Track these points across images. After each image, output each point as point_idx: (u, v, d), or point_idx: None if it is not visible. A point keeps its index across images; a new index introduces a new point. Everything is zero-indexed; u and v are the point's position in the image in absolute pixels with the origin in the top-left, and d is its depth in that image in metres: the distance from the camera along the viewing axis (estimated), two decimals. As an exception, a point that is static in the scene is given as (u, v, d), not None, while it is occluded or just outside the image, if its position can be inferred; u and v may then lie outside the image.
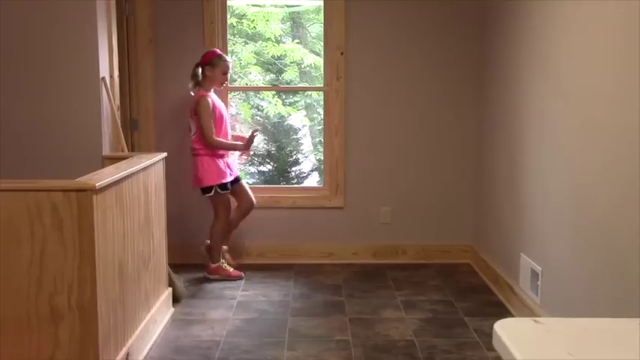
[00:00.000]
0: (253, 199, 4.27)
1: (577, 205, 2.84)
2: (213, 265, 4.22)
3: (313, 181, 6.22)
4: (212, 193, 4.08)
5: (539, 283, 3.27)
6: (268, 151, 6.21)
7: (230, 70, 4.15)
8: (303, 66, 5.83)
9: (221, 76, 4.05)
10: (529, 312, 3.34)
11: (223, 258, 4.28)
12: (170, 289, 3.65)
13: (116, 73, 3.56)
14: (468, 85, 4.51)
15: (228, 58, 4.19)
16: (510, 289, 3.69)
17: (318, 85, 5.19)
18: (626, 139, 2.39)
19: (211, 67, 4.03)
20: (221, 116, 4.08)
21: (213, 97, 4.07)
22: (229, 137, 4.17)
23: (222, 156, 4.12)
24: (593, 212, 2.67)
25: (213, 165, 4.07)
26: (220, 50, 4.31)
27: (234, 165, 4.27)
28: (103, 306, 2.50)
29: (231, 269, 4.25)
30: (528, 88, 3.48)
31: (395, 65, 4.49)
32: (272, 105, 6.05)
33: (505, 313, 3.63)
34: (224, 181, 4.09)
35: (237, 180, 4.25)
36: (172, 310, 3.66)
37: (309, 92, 6.08)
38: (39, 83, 3.31)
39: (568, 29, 2.96)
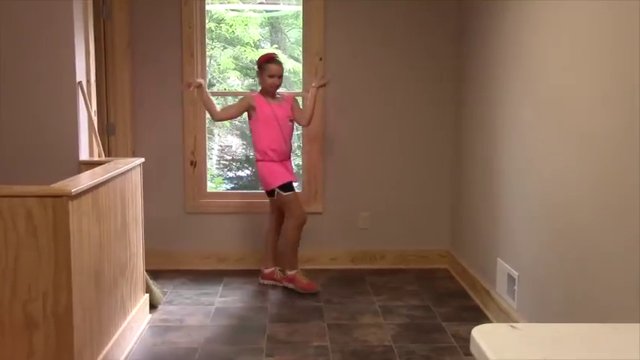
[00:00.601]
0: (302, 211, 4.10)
1: (552, 210, 2.88)
2: (291, 273, 4.12)
3: (292, 186, 6.20)
4: (275, 197, 4.06)
5: (515, 287, 3.30)
6: (246, 156, 6.19)
7: (277, 74, 4.03)
8: (281, 71, 5.83)
9: (268, 79, 4.00)
10: (506, 316, 3.37)
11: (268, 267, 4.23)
12: (147, 296, 3.62)
13: (93, 77, 3.52)
14: (446, 90, 4.54)
15: (279, 60, 4.12)
16: (487, 294, 3.72)
17: (297, 91, 5.19)
18: (601, 142, 2.43)
19: (261, 71, 4.05)
20: (265, 119, 4.02)
21: (263, 100, 4.04)
22: (281, 145, 4.06)
23: (275, 160, 4.06)
24: (569, 217, 2.71)
25: (268, 169, 4.06)
26: (199, 54, 4.30)
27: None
28: (78, 313, 2.47)
29: (305, 280, 4.09)
30: (504, 92, 3.52)
31: (373, 71, 4.52)
32: (250, 110, 6.04)
33: (482, 317, 3.66)
34: (284, 183, 4.03)
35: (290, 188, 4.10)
36: (150, 316, 3.62)
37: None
38: (14, 87, 3.26)
39: (542, 31, 3.01)
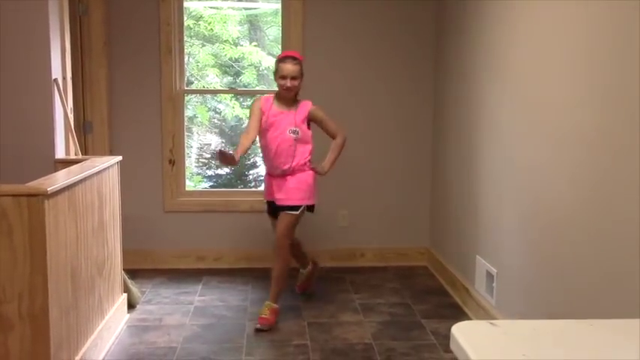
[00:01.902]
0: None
1: (530, 207, 2.90)
2: (268, 303, 3.60)
3: (271, 184, 6.18)
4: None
5: (494, 284, 3.32)
6: (225, 155, 6.16)
7: (289, 74, 3.53)
8: (260, 69, 5.81)
9: (279, 80, 3.55)
10: (484, 313, 3.40)
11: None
12: (125, 295, 3.58)
13: (69, 75, 3.48)
14: (425, 89, 4.56)
15: (294, 58, 3.60)
16: (466, 291, 3.75)
17: (275, 89, 5.17)
18: (579, 141, 2.45)
19: (275, 71, 3.63)
20: (265, 124, 3.57)
21: (270, 103, 3.61)
22: (269, 158, 3.62)
23: (268, 173, 3.70)
24: (547, 214, 2.73)
25: (264, 181, 3.82)
26: (177, 51, 4.25)
27: (282, 186, 3.63)
28: (55, 314, 2.43)
29: (265, 314, 3.52)
30: (483, 91, 3.54)
31: (351, 70, 4.52)
32: (229, 107, 6.01)
33: (461, 314, 3.68)
34: (266, 200, 3.77)
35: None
36: (128, 316, 3.59)
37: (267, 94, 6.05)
38: (-13, 84, 3.21)
39: (519, 31, 3.03)
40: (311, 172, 3.63)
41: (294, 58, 3.59)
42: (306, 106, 3.64)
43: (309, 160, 3.64)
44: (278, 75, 3.57)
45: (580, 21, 2.46)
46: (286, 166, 3.59)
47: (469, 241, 3.76)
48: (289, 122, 3.58)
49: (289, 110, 3.60)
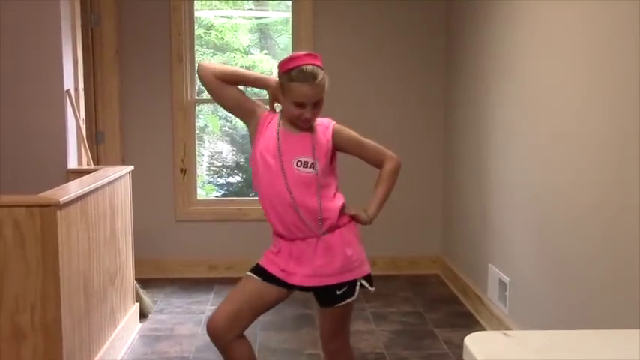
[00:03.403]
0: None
1: (543, 215, 2.88)
2: None
3: (282, 192, 6.18)
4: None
5: (507, 293, 3.30)
6: (237, 163, 6.17)
7: (308, 99, 2.24)
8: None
9: (292, 107, 2.27)
10: (497, 322, 3.37)
11: None
12: (137, 305, 3.59)
13: (81, 86, 3.50)
14: (435, 95, 4.55)
15: (313, 72, 2.22)
16: (479, 300, 3.72)
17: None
18: (593, 149, 2.43)
19: (281, 87, 2.28)
20: (260, 149, 2.29)
21: (273, 119, 2.33)
22: (274, 205, 2.27)
23: (275, 232, 2.34)
24: (559, 223, 2.71)
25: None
26: (188, 61, 4.26)
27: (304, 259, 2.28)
28: (67, 324, 2.44)
29: None
30: (495, 98, 3.52)
31: (362, 76, 4.52)
32: (241, 117, 6.04)
33: (474, 323, 3.66)
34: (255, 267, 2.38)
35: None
36: (140, 325, 3.59)
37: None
38: (2, 96, 3.23)
39: (533, 36, 3.01)
40: (351, 223, 2.37)
41: (313, 74, 2.18)
42: (325, 127, 2.34)
43: (344, 205, 2.38)
44: (289, 99, 2.22)
45: (592, 22, 2.45)
46: (301, 222, 2.25)
47: (481, 249, 3.73)
48: (303, 150, 2.27)
49: (304, 133, 2.30)
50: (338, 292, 2.25)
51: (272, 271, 2.30)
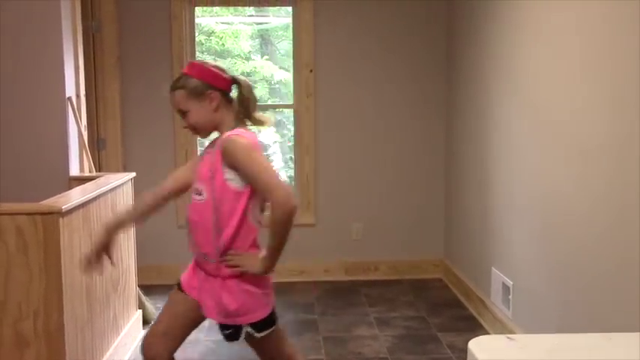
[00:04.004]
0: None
1: (546, 219, 2.88)
2: None
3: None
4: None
5: (510, 297, 3.29)
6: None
7: (173, 105, 2.21)
8: (272, 82, 5.83)
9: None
10: (501, 326, 3.36)
11: None
12: (140, 311, 3.58)
13: (82, 92, 3.51)
14: (437, 100, 4.56)
15: (176, 84, 2.20)
16: (482, 304, 3.71)
17: (288, 102, 5.19)
18: (593, 149, 2.43)
19: None
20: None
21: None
22: (189, 230, 2.16)
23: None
24: (562, 226, 2.70)
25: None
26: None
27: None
28: (70, 331, 2.44)
29: None
30: (497, 101, 3.52)
31: (363, 82, 4.52)
32: (242, 122, 6.04)
33: (477, 327, 3.65)
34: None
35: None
36: (143, 332, 3.59)
37: (279, 108, 6.08)
38: (3, 103, 3.24)
39: (535, 39, 3.01)
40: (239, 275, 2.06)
41: (172, 83, 2.17)
42: (219, 146, 2.04)
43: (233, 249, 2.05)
44: None
45: (592, 22, 2.45)
46: (209, 248, 2.06)
47: (484, 252, 3.72)
48: (205, 172, 2.07)
49: (206, 154, 2.15)
50: (225, 332, 2.11)
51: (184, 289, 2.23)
